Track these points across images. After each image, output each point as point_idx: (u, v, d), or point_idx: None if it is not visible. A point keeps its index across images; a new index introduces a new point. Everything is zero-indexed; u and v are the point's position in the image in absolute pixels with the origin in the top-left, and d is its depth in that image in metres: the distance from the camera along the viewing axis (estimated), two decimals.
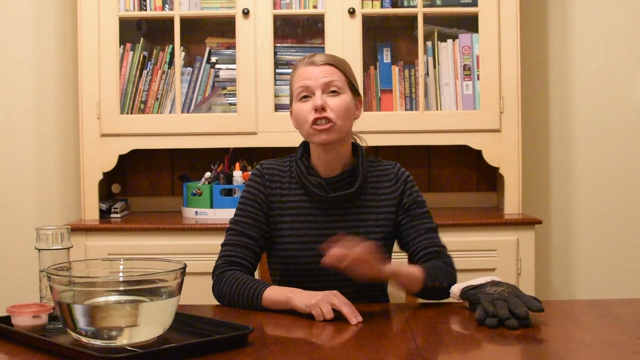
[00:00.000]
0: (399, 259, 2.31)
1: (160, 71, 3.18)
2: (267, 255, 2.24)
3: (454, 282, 2.06)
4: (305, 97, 2.08)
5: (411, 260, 2.16)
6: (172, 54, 3.17)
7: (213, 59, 3.24)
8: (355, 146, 2.19)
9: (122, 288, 1.64)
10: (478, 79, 3.13)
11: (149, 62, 3.19)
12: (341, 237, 1.89)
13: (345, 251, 1.82)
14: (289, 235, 2.13)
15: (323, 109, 2.04)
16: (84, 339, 1.57)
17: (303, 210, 2.13)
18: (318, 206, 2.13)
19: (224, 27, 3.29)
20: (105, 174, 3.14)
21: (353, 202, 2.14)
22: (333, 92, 2.07)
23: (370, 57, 3.26)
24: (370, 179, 2.16)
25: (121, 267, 1.76)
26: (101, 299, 1.60)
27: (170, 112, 3.17)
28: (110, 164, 3.13)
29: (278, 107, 3.16)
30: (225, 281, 2.04)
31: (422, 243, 2.13)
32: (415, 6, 3.14)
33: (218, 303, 2.07)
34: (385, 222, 2.15)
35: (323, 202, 2.12)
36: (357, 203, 2.14)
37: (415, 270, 1.99)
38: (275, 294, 1.96)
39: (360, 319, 1.83)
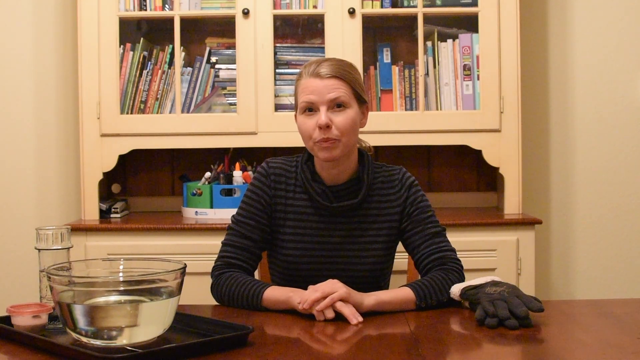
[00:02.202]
0: (400, 260, 2.32)
1: (160, 71, 3.18)
2: (267, 256, 2.23)
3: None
4: (309, 110, 2.05)
5: (417, 267, 2.14)
6: (172, 54, 3.17)
7: (213, 59, 3.24)
8: (362, 153, 2.16)
9: (122, 288, 1.64)
10: (478, 79, 3.13)
11: (149, 62, 3.19)
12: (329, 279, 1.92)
13: (323, 296, 1.84)
14: (291, 240, 2.12)
15: (328, 126, 2.02)
16: (84, 339, 1.57)
17: (306, 217, 2.12)
18: (321, 213, 2.11)
19: (224, 27, 3.29)
20: (105, 174, 3.14)
21: (357, 210, 2.12)
22: (339, 106, 2.04)
23: (370, 57, 3.26)
24: (375, 186, 2.14)
25: (121, 267, 1.76)
26: (101, 299, 1.60)
27: (170, 112, 3.17)
28: (110, 164, 3.13)
29: (278, 107, 3.16)
30: (225, 282, 2.04)
31: (425, 250, 2.09)
32: (415, 6, 3.14)
33: (217, 303, 2.07)
34: (388, 231, 2.13)
35: (326, 210, 2.11)
36: (360, 212, 2.12)
37: (405, 293, 1.96)
38: (275, 293, 1.96)
39: (360, 319, 1.83)
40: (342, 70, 2.06)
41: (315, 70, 2.05)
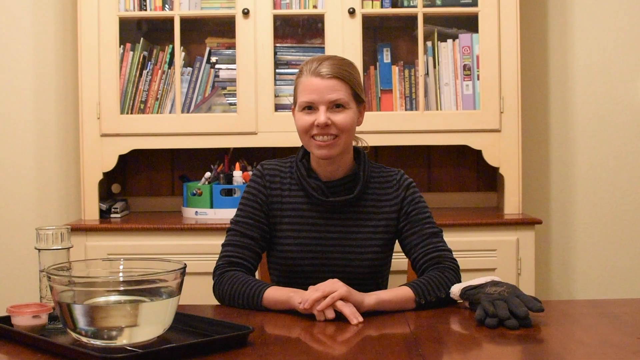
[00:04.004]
0: (400, 260, 2.32)
1: (160, 71, 3.18)
2: (266, 255, 2.24)
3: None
4: (308, 108, 2.07)
5: (413, 267, 2.15)
6: (172, 54, 3.17)
7: (213, 59, 3.24)
8: (357, 151, 2.18)
9: (122, 288, 1.64)
10: (478, 79, 3.13)
11: (149, 62, 3.19)
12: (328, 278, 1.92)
13: (323, 295, 1.84)
14: (288, 237, 2.13)
15: (327, 125, 2.04)
16: (84, 339, 1.57)
17: (302, 213, 2.13)
18: (317, 209, 2.13)
19: (224, 27, 3.29)
20: (105, 174, 3.14)
21: (353, 207, 2.13)
22: (337, 106, 2.06)
23: (370, 57, 3.26)
24: (372, 185, 2.15)
25: (121, 267, 1.76)
26: (101, 299, 1.60)
27: (170, 112, 3.17)
28: (110, 164, 3.13)
29: (278, 107, 3.16)
30: (226, 281, 2.04)
31: (422, 250, 2.11)
32: (415, 6, 3.14)
33: (218, 303, 2.08)
34: (385, 229, 2.14)
35: (322, 205, 2.12)
36: (357, 208, 2.13)
37: (405, 292, 1.96)
38: (276, 293, 1.96)
39: (360, 319, 1.83)
40: (342, 71, 2.08)
41: (316, 69, 2.06)
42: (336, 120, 2.05)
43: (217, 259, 2.14)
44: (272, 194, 2.15)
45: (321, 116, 2.04)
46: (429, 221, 2.15)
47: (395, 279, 2.31)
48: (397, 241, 2.20)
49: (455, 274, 2.06)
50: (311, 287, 1.90)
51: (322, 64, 2.07)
